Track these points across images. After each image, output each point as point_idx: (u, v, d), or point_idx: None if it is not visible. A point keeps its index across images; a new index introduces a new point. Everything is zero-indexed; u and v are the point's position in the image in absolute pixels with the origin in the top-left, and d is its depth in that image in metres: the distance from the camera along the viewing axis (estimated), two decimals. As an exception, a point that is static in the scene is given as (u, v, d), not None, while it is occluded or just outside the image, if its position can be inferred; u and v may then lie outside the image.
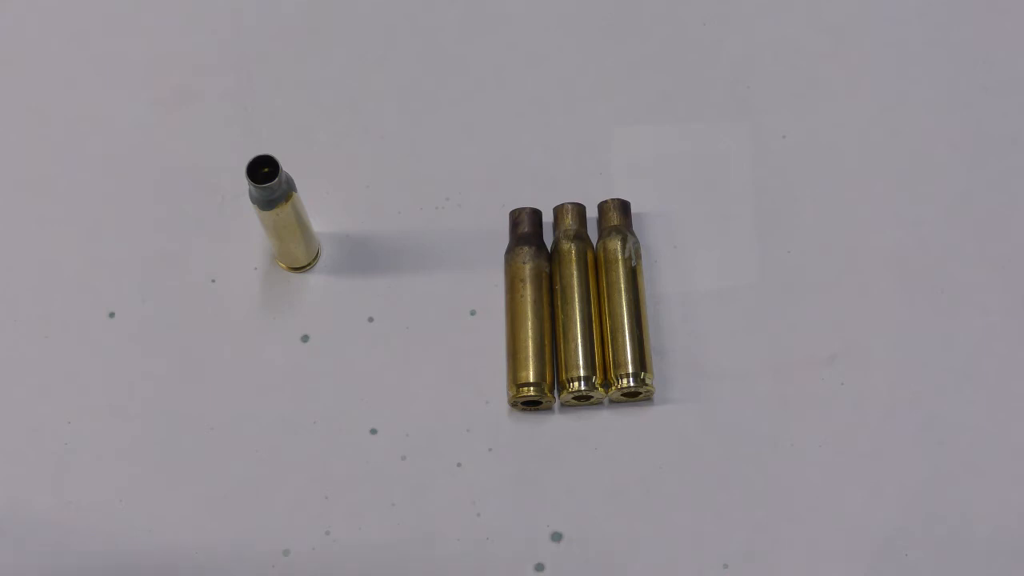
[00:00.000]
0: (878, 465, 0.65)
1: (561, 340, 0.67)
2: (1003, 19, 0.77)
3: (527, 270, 0.68)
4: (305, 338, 0.69)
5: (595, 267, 0.69)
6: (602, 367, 0.67)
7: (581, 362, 0.66)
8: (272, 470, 0.66)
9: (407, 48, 0.77)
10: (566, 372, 0.66)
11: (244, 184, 0.65)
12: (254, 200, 0.65)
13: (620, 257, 0.68)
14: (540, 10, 0.78)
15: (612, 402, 0.67)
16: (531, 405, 0.67)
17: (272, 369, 0.69)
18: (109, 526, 0.65)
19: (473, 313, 0.70)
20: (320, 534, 0.65)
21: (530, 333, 0.67)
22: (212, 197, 0.73)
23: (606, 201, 0.71)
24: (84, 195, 0.73)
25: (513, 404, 0.67)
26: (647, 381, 0.66)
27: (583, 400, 0.67)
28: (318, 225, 0.71)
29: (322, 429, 0.67)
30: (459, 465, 0.66)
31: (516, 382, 0.66)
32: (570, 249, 0.69)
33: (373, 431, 0.67)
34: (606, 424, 0.67)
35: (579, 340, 0.67)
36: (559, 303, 0.68)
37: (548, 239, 0.70)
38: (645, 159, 0.74)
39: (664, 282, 0.70)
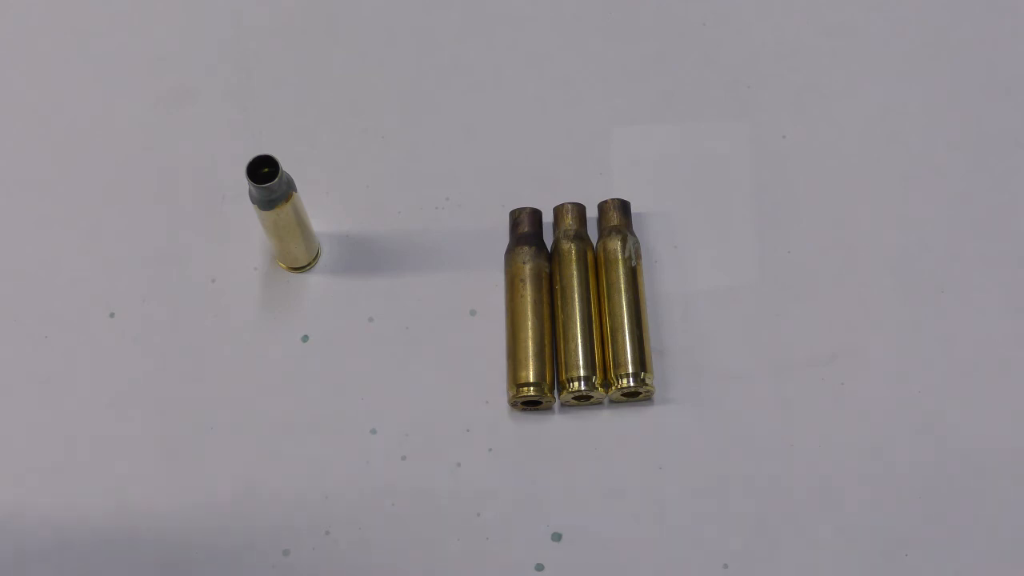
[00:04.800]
0: (878, 465, 0.65)
1: (561, 340, 0.67)
2: (1003, 19, 0.77)
3: (527, 270, 0.68)
4: (305, 338, 0.69)
5: (595, 267, 0.69)
6: (602, 367, 0.67)
7: (581, 362, 0.66)
8: (272, 470, 0.66)
9: (407, 48, 0.77)
10: (566, 372, 0.66)
11: (244, 184, 0.65)
12: (254, 200, 0.65)
13: (620, 257, 0.68)
14: (540, 10, 0.78)
15: (612, 402, 0.67)
16: (531, 405, 0.67)
17: (272, 369, 0.69)
18: (109, 526, 0.65)
19: (473, 313, 0.70)
20: (320, 534, 0.65)
21: (530, 333, 0.67)
22: (212, 197, 0.73)
23: (606, 201, 0.70)
24: (84, 195, 0.73)
25: (513, 404, 0.67)
26: (647, 381, 0.66)
27: (583, 400, 0.67)
28: (318, 225, 0.71)
29: (322, 429, 0.67)
30: (459, 465, 0.66)
31: (516, 382, 0.66)
32: (570, 249, 0.69)
33: (373, 431, 0.67)
34: (606, 424, 0.67)
35: (579, 340, 0.67)
36: (559, 303, 0.68)
37: (548, 239, 0.70)
38: (645, 159, 0.74)
39: (664, 282, 0.70)
